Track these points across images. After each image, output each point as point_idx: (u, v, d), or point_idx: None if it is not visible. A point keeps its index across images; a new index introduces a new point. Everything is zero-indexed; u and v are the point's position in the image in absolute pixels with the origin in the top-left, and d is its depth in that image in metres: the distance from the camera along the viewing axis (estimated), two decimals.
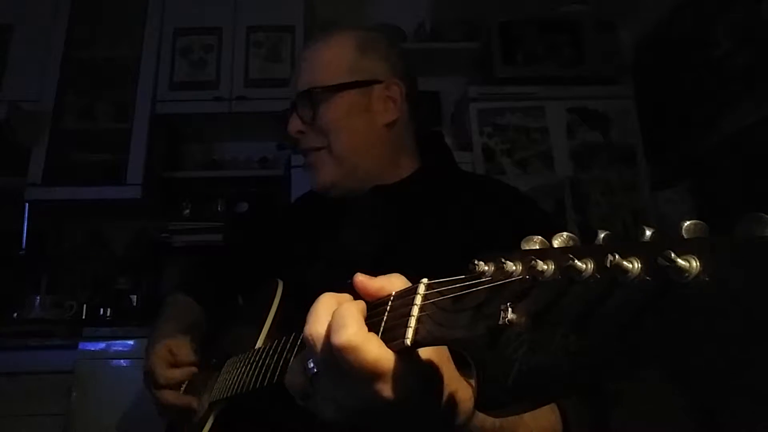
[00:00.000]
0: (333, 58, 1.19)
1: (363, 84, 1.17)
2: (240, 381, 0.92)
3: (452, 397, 0.55)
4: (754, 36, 2.38)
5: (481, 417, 0.58)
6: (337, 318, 0.51)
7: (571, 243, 0.38)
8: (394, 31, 3.23)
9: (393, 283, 0.57)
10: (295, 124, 1.19)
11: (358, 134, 1.17)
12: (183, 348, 1.17)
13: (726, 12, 2.53)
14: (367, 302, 0.57)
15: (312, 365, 0.55)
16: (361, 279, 0.58)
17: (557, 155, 2.95)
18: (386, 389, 0.50)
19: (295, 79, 1.23)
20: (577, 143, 2.97)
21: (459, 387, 0.56)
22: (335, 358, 0.50)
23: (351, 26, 1.29)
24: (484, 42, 3.26)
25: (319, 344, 0.53)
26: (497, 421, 0.60)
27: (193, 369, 1.15)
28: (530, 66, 3.13)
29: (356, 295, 0.58)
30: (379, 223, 1.14)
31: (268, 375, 0.79)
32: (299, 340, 0.72)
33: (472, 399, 0.56)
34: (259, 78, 3.19)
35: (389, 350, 0.50)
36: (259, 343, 1.02)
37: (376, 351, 0.49)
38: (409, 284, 0.56)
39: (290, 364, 0.60)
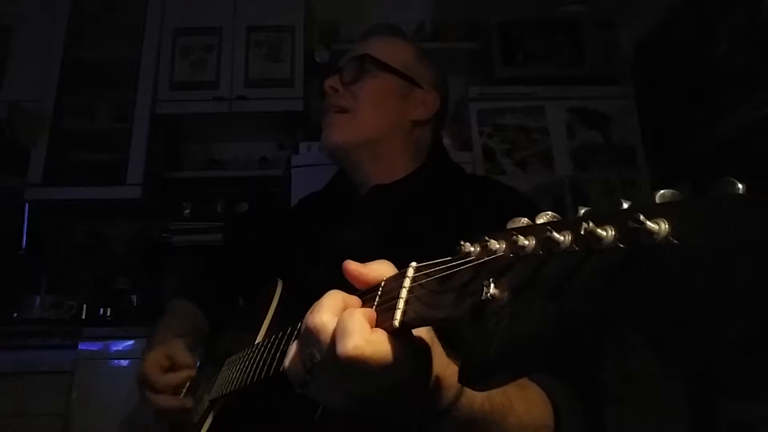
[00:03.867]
0: (397, 49, 1.29)
1: (410, 80, 1.25)
2: (239, 377, 0.92)
3: (439, 378, 0.55)
4: (754, 36, 2.38)
5: (468, 398, 0.58)
6: (341, 326, 0.51)
7: (554, 220, 0.38)
8: (393, 31, 3.24)
9: (381, 268, 0.58)
10: (332, 80, 1.24)
11: (386, 114, 1.22)
12: (178, 351, 1.14)
13: (726, 12, 2.53)
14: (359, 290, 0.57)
15: (317, 354, 0.55)
16: (353, 267, 0.58)
17: (557, 155, 2.95)
18: (383, 376, 0.50)
19: (354, 50, 1.29)
20: (577, 143, 2.97)
21: (447, 368, 0.56)
22: (340, 362, 0.50)
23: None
24: (484, 42, 3.26)
25: (324, 333, 0.52)
26: (486, 405, 0.60)
27: (191, 372, 1.13)
28: (530, 66, 3.13)
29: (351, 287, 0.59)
30: (379, 222, 1.14)
31: (265, 368, 0.78)
32: (297, 330, 0.72)
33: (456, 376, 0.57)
34: (259, 78, 3.19)
35: (387, 339, 0.50)
36: (258, 341, 1.02)
37: (379, 347, 0.49)
38: (395, 269, 0.57)
39: (288, 349, 0.60)
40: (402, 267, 0.57)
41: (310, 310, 0.55)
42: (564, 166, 2.93)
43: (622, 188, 2.89)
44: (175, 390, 1.13)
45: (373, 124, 1.21)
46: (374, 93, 1.22)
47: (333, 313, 0.53)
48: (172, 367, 1.13)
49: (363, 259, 0.61)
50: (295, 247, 1.25)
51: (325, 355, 0.53)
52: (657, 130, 2.96)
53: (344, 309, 0.54)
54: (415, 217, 1.13)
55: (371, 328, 0.52)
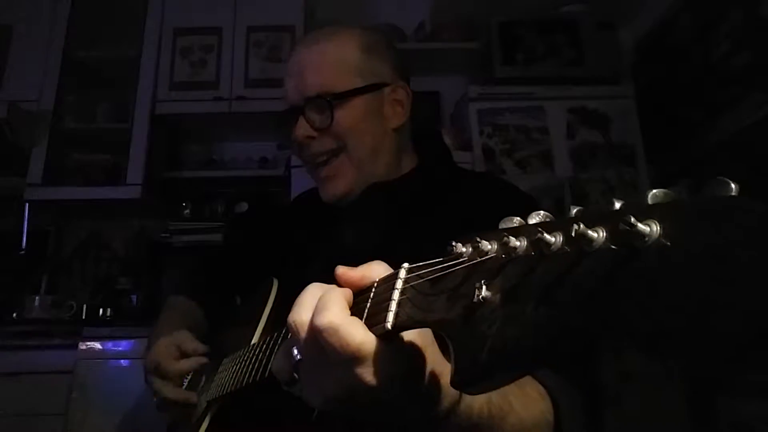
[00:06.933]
0: (340, 61, 1.16)
1: (374, 88, 1.16)
2: (235, 378, 0.92)
3: (436, 382, 0.55)
4: (753, 36, 2.38)
5: (467, 403, 0.57)
6: (321, 302, 0.52)
7: (546, 220, 0.38)
8: (394, 31, 3.23)
9: (374, 270, 0.57)
10: (304, 129, 1.14)
11: (373, 138, 1.16)
12: (188, 340, 1.15)
13: (725, 12, 2.53)
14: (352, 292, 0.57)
15: (296, 352, 0.55)
16: (342, 271, 0.58)
17: (557, 155, 2.94)
18: (368, 374, 0.50)
19: (294, 81, 1.17)
20: (577, 143, 2.96)
21: (443, 371, 0.55)
22: (318, 341, 0.50)
23: (349, 26, 1.25)
24: (484, 42, 3.25)
25: (302, 330, 0.53)
26: (485, 408, 0.60)
27: (203, 359, 1.12)
28: (530, 66, 3.12)
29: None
30: (376, 220, 1.14)
31: (260, 369, 0.79)
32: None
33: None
34: (259, 78, 3.19)
35: (372, 334, 0.50)
36: (254, 341, 1.02)
37: (358, 334, 0.49)
38: (391, 270, 0.56)
39: (277, 350, 0.60)
40: (398, 265, 0.57)
41: (291, 309, 0.55)
42: (564, 166, 2.92)
43: (622, 188, 2.89)
44: (181, 380, 1.14)
45: (369, 152, 1.15)
46: (355, 125, 1.13)
47: (311, 309, 0.53)
48: (183, 355, 1.14)
49: (359, 257, 0.60)
50: (293, 246, 1.25)
51: (305, 350, 0.54)
52: (657, 130, 2.96)
53: None
54: (412, 214, 1.12)
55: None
